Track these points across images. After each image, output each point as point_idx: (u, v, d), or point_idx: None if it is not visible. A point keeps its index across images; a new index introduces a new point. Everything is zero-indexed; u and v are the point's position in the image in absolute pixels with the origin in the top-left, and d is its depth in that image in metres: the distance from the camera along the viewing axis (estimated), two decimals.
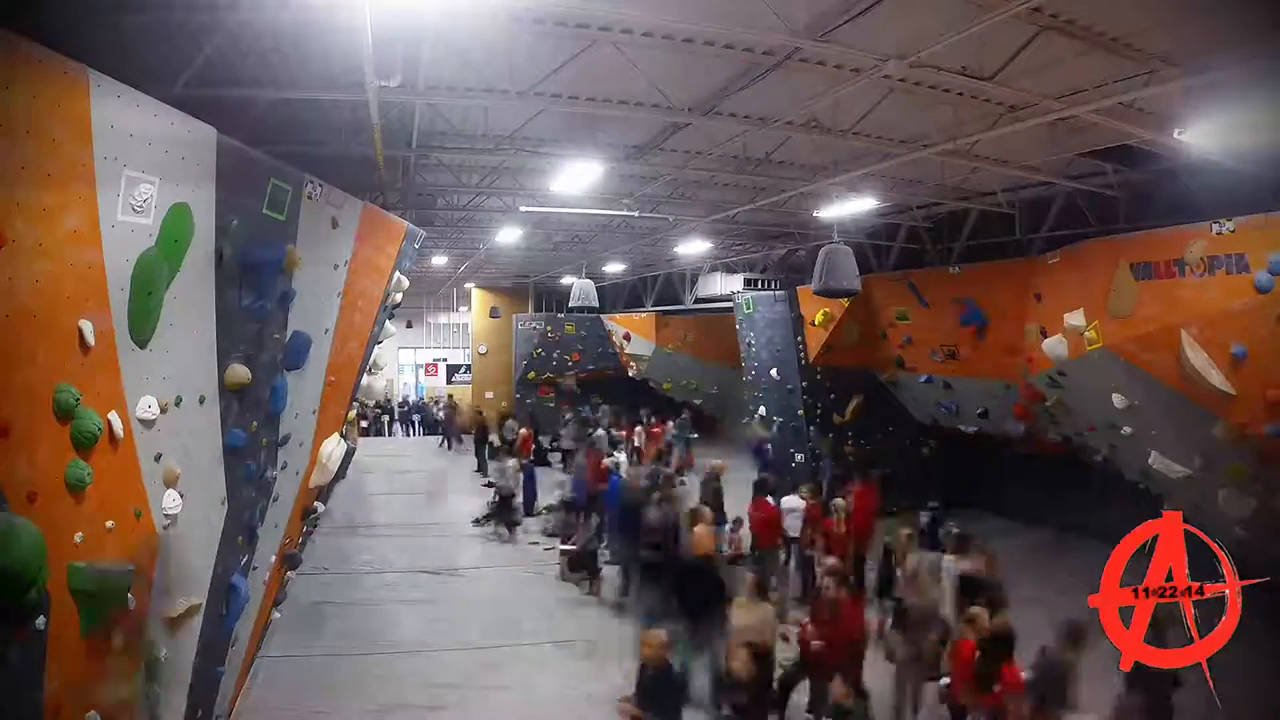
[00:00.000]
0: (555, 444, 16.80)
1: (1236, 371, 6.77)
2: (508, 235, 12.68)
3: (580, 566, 9.56)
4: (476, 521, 11.98)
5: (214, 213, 4.38)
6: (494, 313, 23.50)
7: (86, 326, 3.40)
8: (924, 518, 9.38)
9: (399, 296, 8.80)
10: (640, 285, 20.20)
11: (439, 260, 17.41)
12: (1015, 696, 4.79)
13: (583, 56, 5.23)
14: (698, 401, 19.97)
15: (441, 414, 21.26)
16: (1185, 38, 4.75)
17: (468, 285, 23.75)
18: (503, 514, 11.71)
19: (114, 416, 3.63)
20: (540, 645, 7.81)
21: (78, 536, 3.40)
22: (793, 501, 9.02)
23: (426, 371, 28.01)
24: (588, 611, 8.80)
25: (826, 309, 12.05)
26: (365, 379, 8.99)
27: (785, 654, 6.19)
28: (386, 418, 23.76)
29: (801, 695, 6.18)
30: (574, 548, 9.77)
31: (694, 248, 13.57)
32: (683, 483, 12.16)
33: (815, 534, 8.78)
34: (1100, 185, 8.30)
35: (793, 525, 8.86)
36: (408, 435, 24.01)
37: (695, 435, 16.95)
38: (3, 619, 3.00)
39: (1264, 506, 7.33)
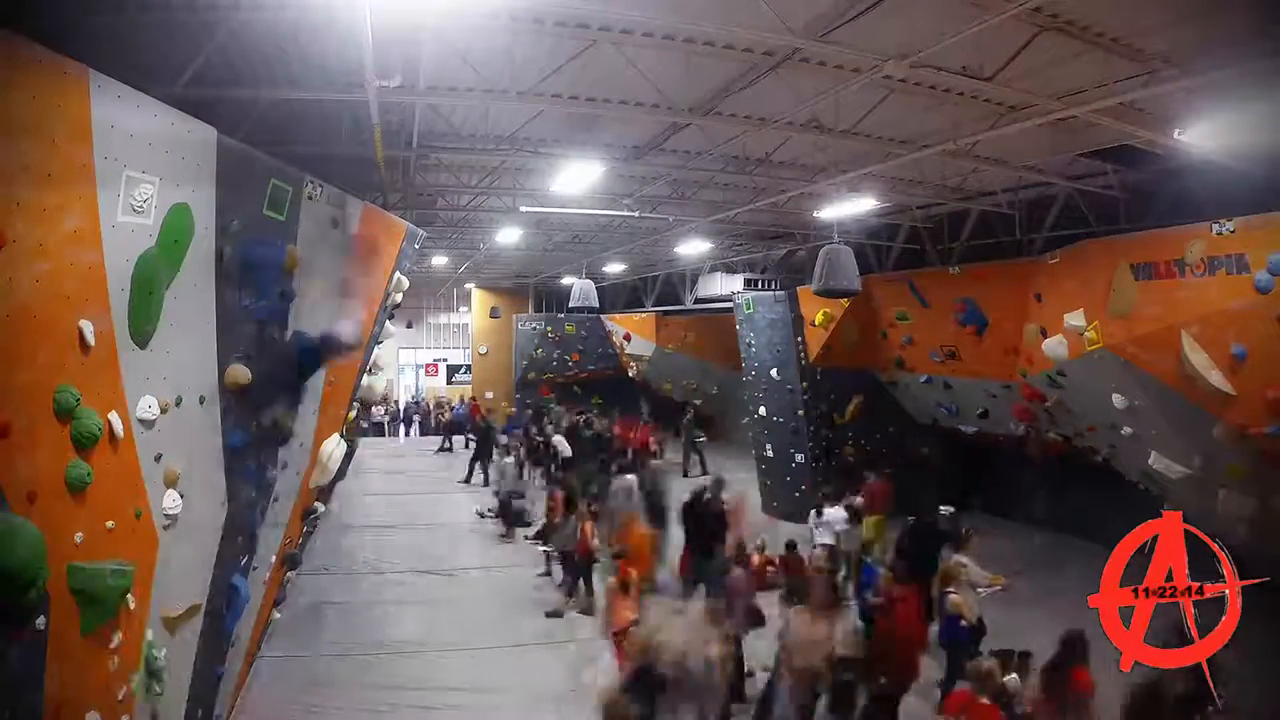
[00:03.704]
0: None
1: (1236, 371, 6.76)
2: (508, 235, 12.68)
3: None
4: (481, 515, 12.07)
5: (214, 213, 4.39)
6: (494, 313, 23.48)
7: (87, 327, 3.40)
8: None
9: (399, 296, 8.82)
10: (640, 285, 20.19)
11: (439, 260, 17.40)
12: None
13: (583, 56, 5.23)
14: (698, 401, 19.96)
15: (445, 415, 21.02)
16: (1185, 38, 4.75)
17: (468, 285, 23.73)
18: (507, 515, 11.74)
19: (114, 416, 3.63)
20: (540, 645, 7.80)
21: (78, 536, 3.39)
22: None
23: (427, 372, 27.97)
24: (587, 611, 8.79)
25: (826, 309, 12.03)
26: (365, 379, 8.99)
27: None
28: (388, 419, 23.64)
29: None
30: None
31: (694, 248, 13.57)
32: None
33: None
34: (1100, 185, 8.30)
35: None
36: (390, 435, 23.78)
37: (703, 438, 16.59)
38: (3, 619, 2.99)
39: (1264, 506, 7.33)
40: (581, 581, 8.88)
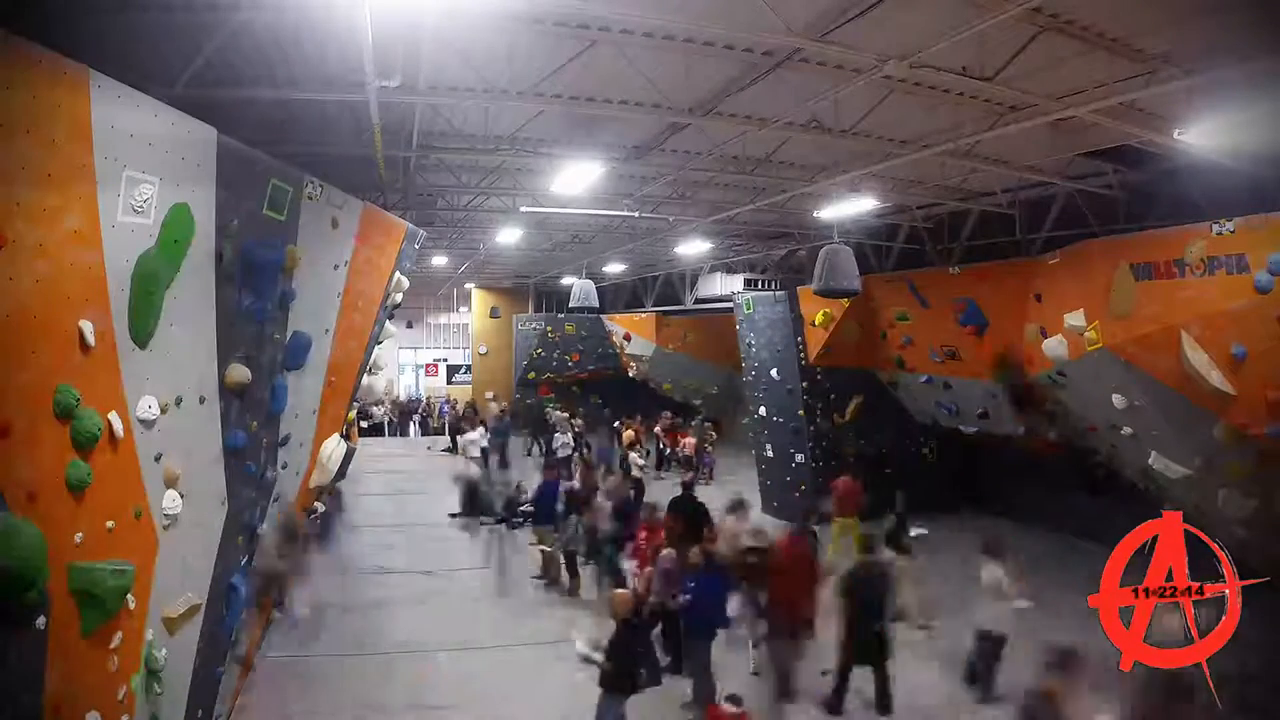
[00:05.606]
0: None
1: (1236, 371, 6.77)
2: (508, 235, 12.68)
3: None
4: (452, 515, 11.67)
5: (214, 213, 4.40)
6: (494, 313, 23.51)
7: (87, 327, 3.41)
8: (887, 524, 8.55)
9: (399, 296, 8.81)
10: (640, 285, 20.20)
11: (439, 260, 17.40)
12: None
13: (583, 56, 5.23)
14: (698, 401, 19.95)
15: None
16: (1185, 38, 4.75)
17: (468, 285, 23.75)
18: (472, 504, 11.18)
19: (114, 416, 3.64)
20: (540, 645, 7.80)
21: (78, 536, 3.40)
22: None
23: (427, 372, 27.99)
24: (587, 610, 8.78)
25: (826, 309, 12.03)
26: (365, 379, 8.99)
27: None
28: (387, 418, 23.57)
29: None
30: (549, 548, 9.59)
31: (694, 248, 13.57)
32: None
33: None
34: (1100, 185, 8.30)
35: None
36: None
37: (714, 436, 16.40)
38: (3, 619, 3.00)
39: (1264, 506, 7.33)
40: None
